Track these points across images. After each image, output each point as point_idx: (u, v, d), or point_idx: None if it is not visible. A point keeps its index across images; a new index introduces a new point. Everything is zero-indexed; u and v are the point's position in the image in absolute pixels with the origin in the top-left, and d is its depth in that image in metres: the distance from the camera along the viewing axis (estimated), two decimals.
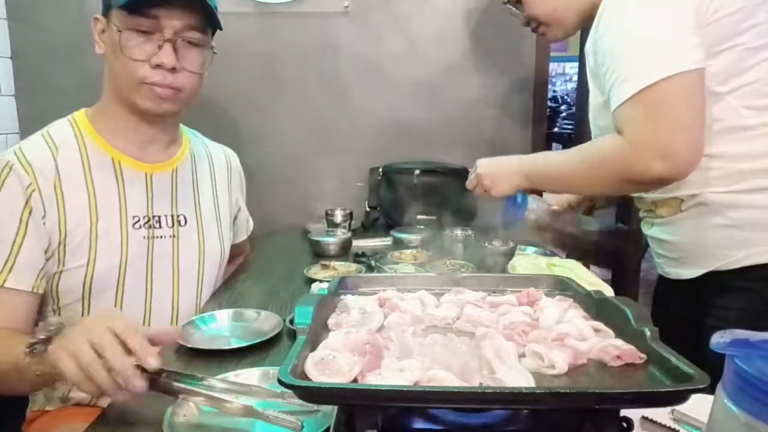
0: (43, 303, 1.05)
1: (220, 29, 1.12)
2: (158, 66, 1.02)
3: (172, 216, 1.14)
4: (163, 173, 1.15)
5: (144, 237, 1.09)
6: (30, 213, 0.98)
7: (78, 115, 1.12)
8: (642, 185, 1.01)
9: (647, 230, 1.14)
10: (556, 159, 1.15)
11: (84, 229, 1.02)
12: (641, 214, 1.15)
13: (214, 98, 1.87)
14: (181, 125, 1.24)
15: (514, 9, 1.27)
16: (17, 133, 1.93)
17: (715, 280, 1.01)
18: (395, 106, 1.94)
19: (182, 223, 1.15)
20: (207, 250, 1.19)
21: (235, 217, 1.38)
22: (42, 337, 0.76)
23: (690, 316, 1.05)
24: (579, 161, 1.08)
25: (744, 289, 0.98)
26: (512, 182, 1.19)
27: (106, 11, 1.05)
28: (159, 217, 1.12)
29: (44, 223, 0.99)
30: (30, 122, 1.95)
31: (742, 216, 0.97)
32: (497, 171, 1.21)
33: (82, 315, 1.04)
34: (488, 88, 1.92)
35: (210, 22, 1.09)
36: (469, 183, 1.27)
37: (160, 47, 1.02)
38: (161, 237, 1.11)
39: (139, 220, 1.09)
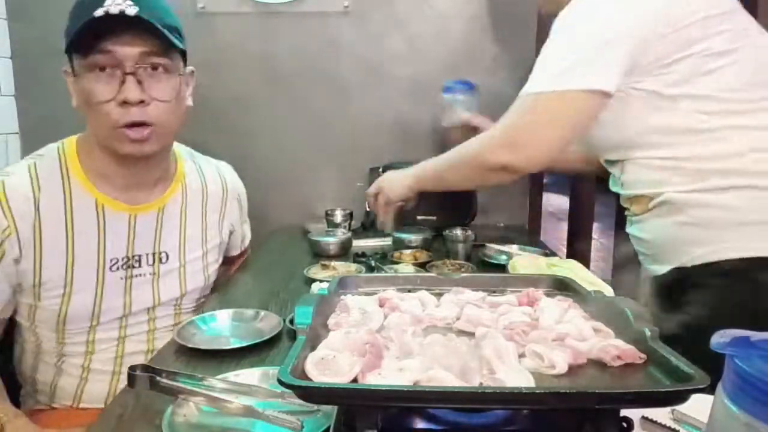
0: (19, 323, 1.08)
1: (183, 49, 1.05)
2: (125, 103, 0.96)
3: (154, 254, 1.12)
4: (148, 213, 1.12)
5: (121, 278, 1.08)
6: (2, 255, 0.98)
7: (68, 146, 1.07)
8: (491, 171, 1.10)
9: (627, 228, 1.16)
10: (439, 157, 1.26)
11: (60, 272, 1.02)
12: (626, 212, 1.17)
13: (214, 98, 1.87)
14: (177, 146, 1.20)
15: None
16: (17, 133, 1.93)
17: (681, 277, 1.03)
18: (395, 106, 1.94)
19: (163, 260, 1.13)
20: (188, 284, 1.17)
21: (230, 235, 1.33)
22: None
23: (666, 312, 1.07)
24: (451, 155, 1.20)
25: (705, 285, 1.00)
26: (404, 182, 1.31)
27: (69, 60, 1.00)
28: (139, 256, 1.10)
29: (17, 264, 0.99)
30: (30, 122, 1.95)
31: (701, 214, 0.99)
32: (394, 176, 1.35)
33: (57, 344, 1.06)
34: (488, 88, 1.92)
35: (172, 43, 1.00)
36: (370, 190, 1.40)
37: (122, 83, 0.96)
38: (140, 276, 1.10)
39: (117, 262, 1.07)
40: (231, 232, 1.33)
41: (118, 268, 1.07)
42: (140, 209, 1.10)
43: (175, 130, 1.08)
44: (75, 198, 1.04)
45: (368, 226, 1.48)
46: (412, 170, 1.31)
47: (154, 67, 0.99)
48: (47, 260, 1.01)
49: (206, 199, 1.23)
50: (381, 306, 0.73)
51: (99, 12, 0.93)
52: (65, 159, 1.06)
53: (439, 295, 0.78)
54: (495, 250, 1.47)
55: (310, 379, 0.52)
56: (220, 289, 1.30)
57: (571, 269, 1.12)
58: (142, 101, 0.97)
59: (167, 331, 1.14)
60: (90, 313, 1.05)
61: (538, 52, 2.07)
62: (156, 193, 1.13)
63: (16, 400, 1.10)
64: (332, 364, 0.54)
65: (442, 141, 1.67)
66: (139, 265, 1.10)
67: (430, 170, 1.27)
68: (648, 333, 0.60)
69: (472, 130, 1.54)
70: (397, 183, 1.33)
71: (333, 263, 1.38)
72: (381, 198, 1.36)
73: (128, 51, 0.96)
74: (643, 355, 0.58)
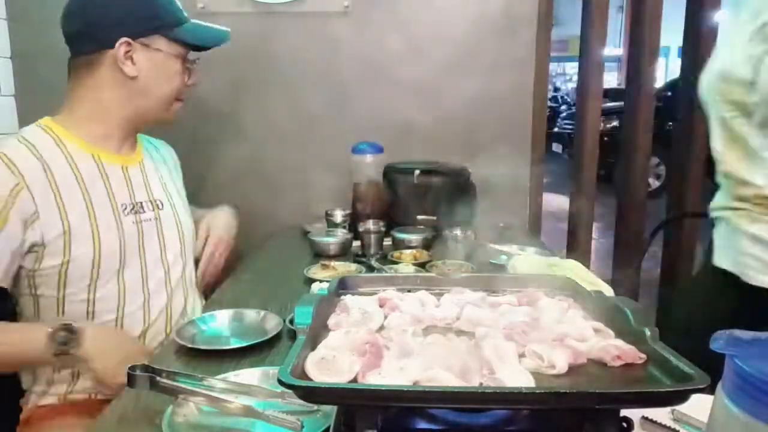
0: (46, 285, 1.09)
1: None
2: (188, 86, 1.24)
3: (151, 201, 1.24)
4: (134, 165, 1.24)
5: (133, 222, 1.18)
6: (19, 213, 1.01)
7: (45, 122, 1.16)
8: None
9: (745, 226, 0.97)
10: None
11: (84, 219, 1.09)
12: (737, 204, 0.99)
13: (214, 98, 1.87)
14: None
15: None
16: (17, 133, 1.93)
17: None
18: (395, 106, 1.94)
19: (160, 206, 1.26)
20: (183, 227, 1.30)
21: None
22: (63, 341, 0.95)
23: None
24: None
25: None
26: None
27: (139, 36, 1.13)
28: (141, 203, 1.22)
29: (36, 220, 1.03)
30: (30, 122, 1.94)
31: None
32: None
33: (88, 298, 1.10)
34: (488, 88, 1.92)
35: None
36: None
37: (191, 70, 1.24)
38: (148, 220, 1.22)
39: (126, 207, 1.18)
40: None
41: (128, 213, 1.18)
42: (129, 161, 1.23)
43: None
44: (72, 153, 1.13)
45: (359, 255, 1.50)
46: None
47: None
48: (71, 208, 1.07)
49: (165, 161, 1.39)
50: (381, 306, 0.73)
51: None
52: (49, 129, 1.14)
53: (439, 295, 0.78)
54: (495, 250, 1.47)
55: (310, 379, 0.52)
56: (221, 289, 1.30)
57: (571, 269, 1.12)
58: None
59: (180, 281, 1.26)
60: (118, 259, 1.13)
61: (538, 52, 2.07)
62: (133, 149, 1.27)
63: (15, 402, 1.10)
64: (332, 364, 0.55)
65: (353, 194, 1.77)
66: (143, 211, 1.22)
67: None
68: (648, 333, 0.60)
69: (375, 186, 1.63)
70: None
71: (333, 263, 1.38)
72: None
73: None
74: (643, 355, 0.58)
